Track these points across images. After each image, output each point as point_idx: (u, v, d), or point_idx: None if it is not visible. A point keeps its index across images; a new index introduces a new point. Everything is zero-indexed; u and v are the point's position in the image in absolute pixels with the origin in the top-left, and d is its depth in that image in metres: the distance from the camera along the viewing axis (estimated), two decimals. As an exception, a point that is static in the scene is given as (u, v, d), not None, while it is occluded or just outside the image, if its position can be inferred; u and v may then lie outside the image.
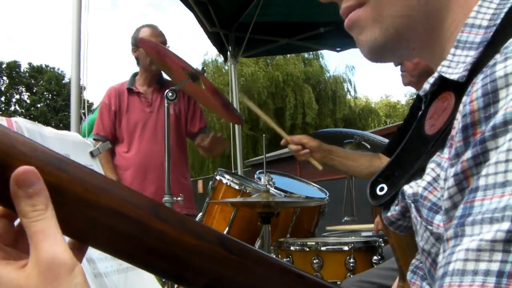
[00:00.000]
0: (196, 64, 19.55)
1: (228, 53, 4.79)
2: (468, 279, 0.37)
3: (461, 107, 0.44)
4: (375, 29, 0.57)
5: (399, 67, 1.96)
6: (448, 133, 0.47)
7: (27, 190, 0.38)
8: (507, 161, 0.38)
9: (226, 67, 18.86)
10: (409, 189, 0.54)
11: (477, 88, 0.42)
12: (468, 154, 0.41)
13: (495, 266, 0.36)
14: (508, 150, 0.38)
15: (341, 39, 4.53)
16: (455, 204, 0.43)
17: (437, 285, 0.40)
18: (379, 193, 0.60)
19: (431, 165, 0.52)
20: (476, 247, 0.37)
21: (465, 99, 0.44)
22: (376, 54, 0.59)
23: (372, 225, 2.40)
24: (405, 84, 1.96)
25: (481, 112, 0.41)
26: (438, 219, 0.48)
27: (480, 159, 0.40)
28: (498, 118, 0.39)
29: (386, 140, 2.95)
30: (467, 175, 0.42)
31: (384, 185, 0.60)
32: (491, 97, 0.41)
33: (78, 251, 0.44)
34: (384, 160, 2.17)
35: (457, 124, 0.44)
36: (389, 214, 0.59)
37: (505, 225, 0.36)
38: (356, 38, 0.61)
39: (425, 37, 0.57)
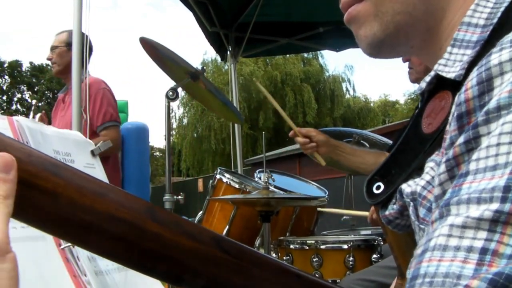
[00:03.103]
0: (196, 64, 19.51)
1: (228, 53, 4.78)
2: (450, 254, 0.36)
3: (456, 97, 0.44)
4: (374, 24, 0.57)
5: (398, 67, 1.96)
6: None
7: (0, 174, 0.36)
8: (498, 144, 0.37)
9: (226, 67, 18.83)
10: (407, 187, 0.54)
11: (472, 77, 0.42)
12: (461, 139, 0.41)
13: (479, 243, 0.35)
14: (500, 134, 0.38)
15: (341, 39, 4.52)
16: (444, 192, 0.42)
17: (414, 263, 0.39)
18: (375, 191, 0.60)
19: (430, 164, 0.51)
20: (462, 224, 0.37)
21: (461, 90, 0.43)
22: (375, 49, 0.59)
23: (366, 213, 2.41)
24: (413, 81, 1.94)
25: (476, 101, 0.41)
26: None
27: (472, 145, 0.40)
28: (492, 104, 0.39)
29: (385, 139, 2.95)
30: (458, 161, 0.41)
31: (380, 184, 0.59)
32: (486, 86, 0.41)
33: None
34: None
35: (452, 115, 0.44)
36: (387, 212, 0.59)
37: (494, 206, 0.35)
38: (355, 33, 0.61)
39: (424, 36, 0.57)
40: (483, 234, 0.35)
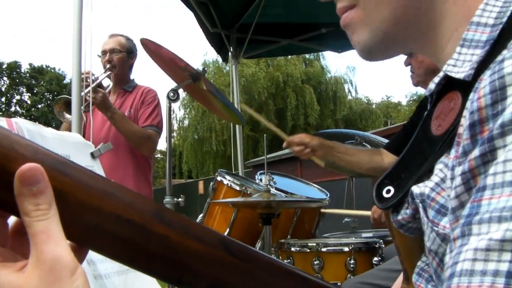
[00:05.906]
0: (197, 65, 19.48)
1: (230, 54, 4.77)
2: (477, 279, 0.37)
3: (468, 103, 0.43)
4: (364, 31, 0.58)
5: (400, 68, 1.97)
6: (456, 133, 0.47)
7: (31, 188, 0.37)
8: None
9: (227, 68, 18.84)
10: (416, 189, 0.53)
11: (484, 84, 0.42)
12: (476, 152, 0.41)
13: (504, 266, 0.36)
14: None
15: (342, 40, 4.50)
16: (462, 203, 0.42)
17: (444, 286, 0.40)
18: (385, 195, 0.59)
19: (439, 166, 0.51)
20: (485, 247, 0.37)
21: (472, 95, 0.43)
22: (368, 54, 0.60)
23: (368, 212, 2.40)
24: (415, 84, 1.97)
25: (488, 109, 0.41)
26: (445, 221, 0.48)
27: (488, 158, 0.40)
28: (507, 116, 0.39)
29: (387, 141, 2.94)
30: (474, 174, 0.41)
31: (390, 187, 0.59)
32: (499, 94, 0.40)
33: (79, 253, 0.42)
34: (385, 156, 2.17)
35: (464, 121, 0.43)
36: (399, 217, 0.59)
37: None
38: (350, 38, 0.62)
39: (418, 39, 0.57)
40: (507, 256, 0.36)
